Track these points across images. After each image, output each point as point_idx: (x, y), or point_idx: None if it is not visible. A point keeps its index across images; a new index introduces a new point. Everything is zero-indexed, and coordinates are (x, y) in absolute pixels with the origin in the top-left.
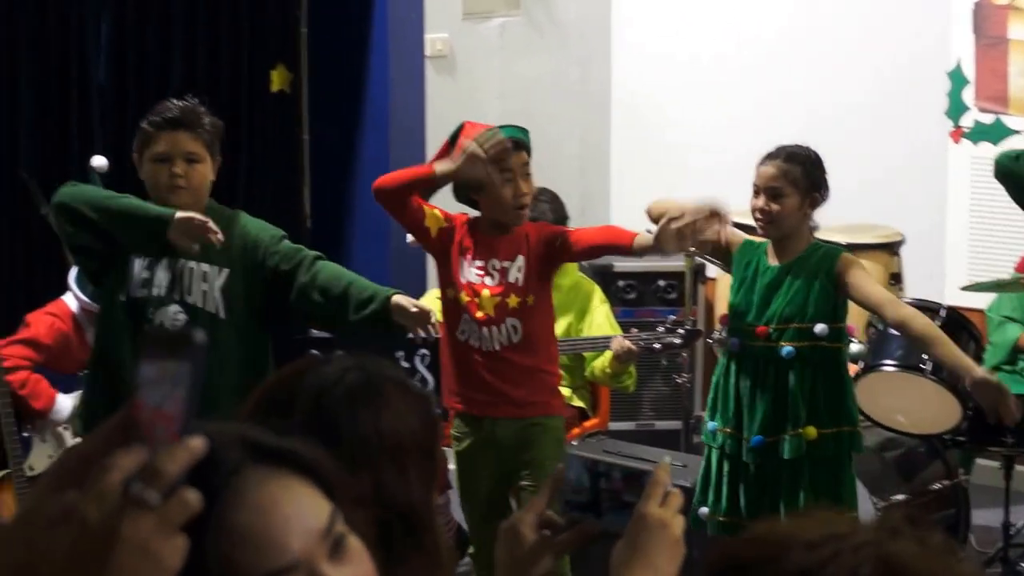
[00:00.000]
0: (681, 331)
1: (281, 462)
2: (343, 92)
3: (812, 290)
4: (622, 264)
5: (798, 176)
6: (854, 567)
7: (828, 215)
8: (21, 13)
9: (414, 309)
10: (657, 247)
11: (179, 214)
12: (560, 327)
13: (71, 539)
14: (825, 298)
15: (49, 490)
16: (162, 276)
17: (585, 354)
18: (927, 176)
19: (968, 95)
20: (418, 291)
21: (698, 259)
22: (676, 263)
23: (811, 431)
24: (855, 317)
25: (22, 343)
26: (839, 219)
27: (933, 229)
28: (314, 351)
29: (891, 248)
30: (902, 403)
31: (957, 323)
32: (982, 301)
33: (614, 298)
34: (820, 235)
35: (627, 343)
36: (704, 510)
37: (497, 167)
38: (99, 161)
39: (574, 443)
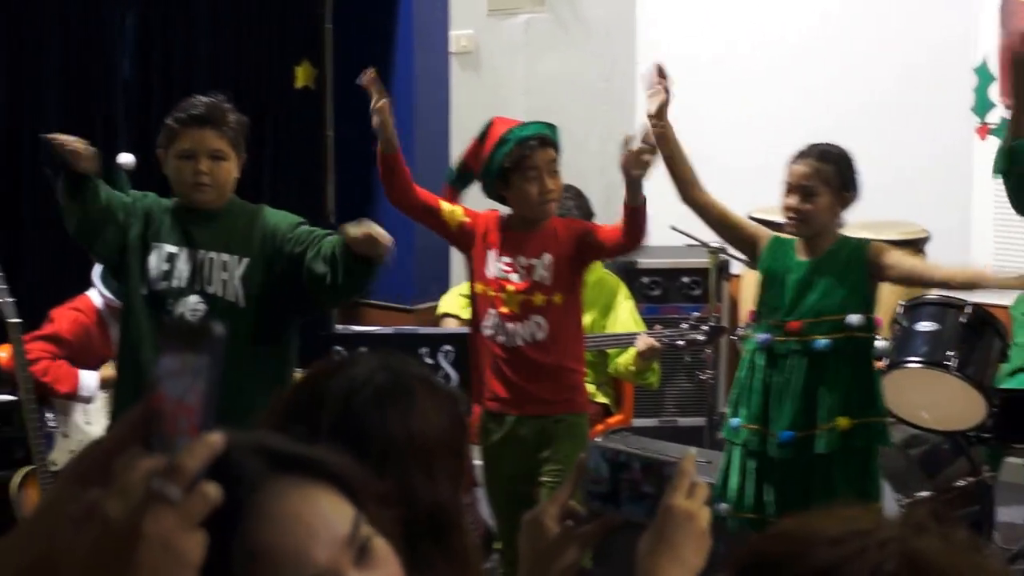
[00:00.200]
0: (705, 328)
1: (302, 470)
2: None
3: (845, 283)
4: (646, 260)
5: (830, 175)
6: (878, 563)
7: (853, 212)
8: (47, 9)
9: (358, 234)
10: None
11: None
12: (584, 323)
13: (93, 536)
14: (858, 290)
15: (70, 484)
16: (183, 267)
17: (609, 350)
18: (952, 173)
19: (994, 91)
20: (441, 287)
21: (722, 256)
22: (701, 259)
23: (843, 421)
24: (880, 313)
25: (45, 339)
26: (864, 216)
27: (958, 226)
28: (338, 347)
29: (916, 245)
30: (927, 399)
31: (982, 320)
32: (1008, 298)
33: (638, 294)
34: (844, 232)
35: (651, 340)
36: (723, 506)
37: (520, 171)
38: (126, 158)
39: (597, 439)
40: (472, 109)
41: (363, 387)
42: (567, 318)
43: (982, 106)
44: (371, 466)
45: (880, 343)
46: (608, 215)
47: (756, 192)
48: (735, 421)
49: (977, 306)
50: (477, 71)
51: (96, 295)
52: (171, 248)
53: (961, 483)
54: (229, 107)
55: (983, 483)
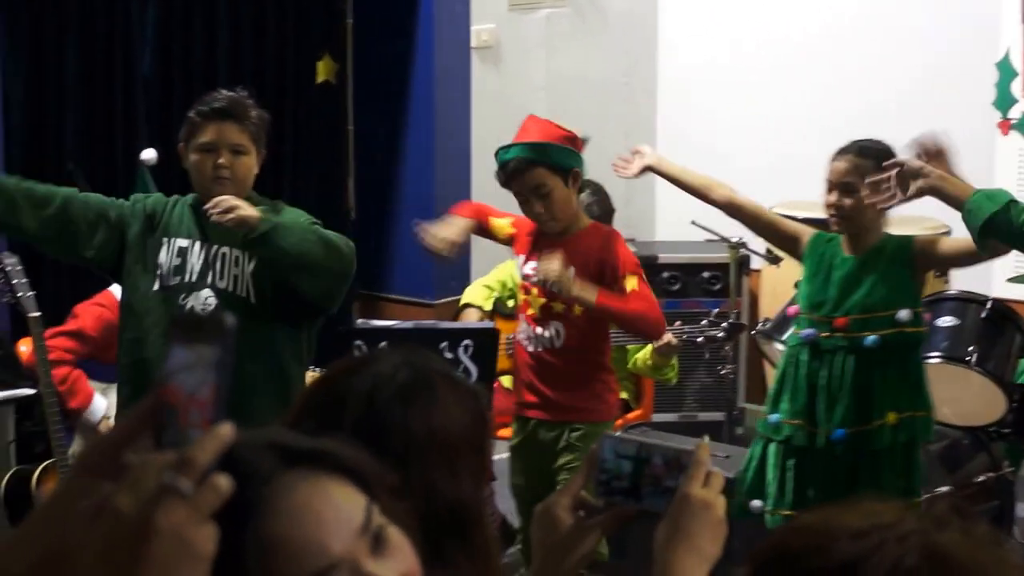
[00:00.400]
0: (724, 325)
1: (313, 463)
2: (388, 83)
3: (892, 279)
4: (667, 255)
5: (870, 170)
6: (899, 556)
7: None
8: (68, 5)
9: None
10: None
11: None
12: None
13: (105, 531)
14: (905, 285)
15: (80, 477)
16: (195, 261)
17: (628, 346)
18: (974, 168)
19: (1016, 87)
20: (462, 283)
21: (743, 251)
22: (721, 254)
23: (892, 416)
24: None
25: (68, 335)
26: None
27: None
28: (358, 342)
29: None
30: (947, 395)
31: (1003, 315)
32: None
33: (659, 289)
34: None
35: (668, 336)
36: (757, 503)
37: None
38: (149, 154)
39: (614, 433)
40: (492, 104)
41: (386, 384)
42: (590, 328)
43: (1004, 101)
44: (393, 463)
45: None
46: (628, 212)
47: (778, 187)
48: (775, 417)
49: (998, 301)
50: (497, 66)
51: (119, 290)
52: (183, 242)
53: (981, 479)
54: (251, 102)
55: (1003, 479)
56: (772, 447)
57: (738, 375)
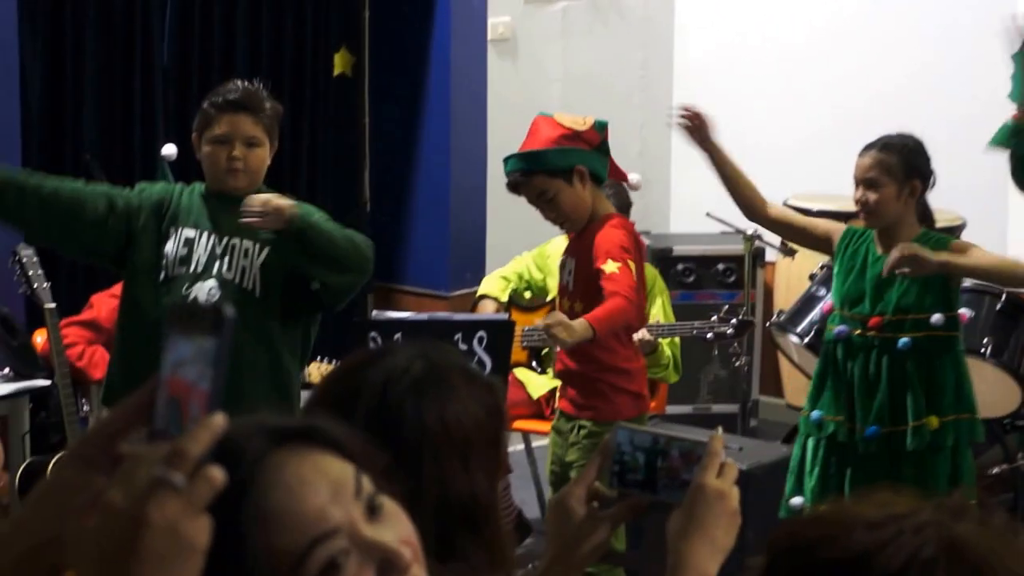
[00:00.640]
0: (733, 321)
1: (301, 440)
2: (405, 75)
3: (926, 280)
4: (681, 248)
5: (894, 164)
6: (916, 547)
7: None
8: None
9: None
10: None
11: None
12: None
13: (99, 525)
14: (939, 288)
15: (73, 467)
16: (202, 253)
17: None
18: (989, 160)
19: None
20: (477, 275)
21: (757, 243)
22: (736, 246)
23: (933, 421)
24: None
25: (83, 324)
26: None
27: (994, 213)
28: (374, 333)
29: (952, 233)
30: None
31: (1018, 307)
32: None
33: (673, 282)
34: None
35: (643, 332)
36: (798, 500)
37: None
38: (169, 150)
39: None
40: (508, 97)
41: (400, 377)
42: None
43: (1019, 92)
44: (407, 456)
45: None
46: (644, 203)
47: (793, 179)
48: (816, 414)
49: (1012, 293)
50: (514, 59)
51: None
52: (190, 232)
53: (995, 470)
54: (266, 94)
55: (1018, 470)
56: (811, 443)
57: (752, 367)
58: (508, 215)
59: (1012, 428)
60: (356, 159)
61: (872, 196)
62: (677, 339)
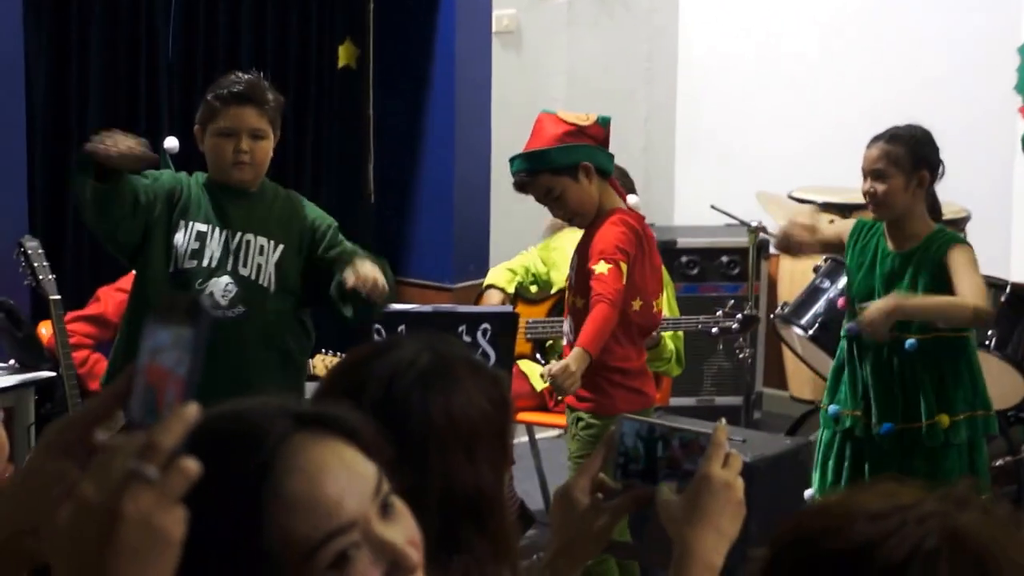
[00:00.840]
0: (739, 316)
1: (322, 427)
2: (409, 68)
3: (933, 280)
4: (685, 240)
5: (901, 156)
6: (920, 538)
7: None
8: None
9: (351, 282)
10: None
11: (90, 148)
12: None
13: (73, 519)
14: (943, 290)
15: (49, 456)
16: (215, 247)
17: None
18: (994, 152)
19: None
20: (481, 267)
21: (762, 235)
22: (740, 239)
23: (945, 419)
24: None
25: (88, 320)
26: None
27: (999, 205)
28: (378, 326)
29: (957, 225)
30: None
31: (1022, 299)
32: None
33: (677, 274)
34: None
35: None
36: (809, 492)
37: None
38: (171, 143)
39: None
40: (513, 89)
41: (406, 370)
42: None
43: None
44: (412, 448)
45: None
46: (649, 194)
47: (796, 172)
48: (834, 408)
49: (1017, 285)
50: (519, 51)
51: None
52: (201, 226)
53: (999, 462)
54: (268, 85)
55: (1022, 462)
56: (826, 435)
57: (756, 359)
58: (512, 207)
59: (1016, 420)
60: (360, 151)
61: (880, 187)
62: (681, 333)
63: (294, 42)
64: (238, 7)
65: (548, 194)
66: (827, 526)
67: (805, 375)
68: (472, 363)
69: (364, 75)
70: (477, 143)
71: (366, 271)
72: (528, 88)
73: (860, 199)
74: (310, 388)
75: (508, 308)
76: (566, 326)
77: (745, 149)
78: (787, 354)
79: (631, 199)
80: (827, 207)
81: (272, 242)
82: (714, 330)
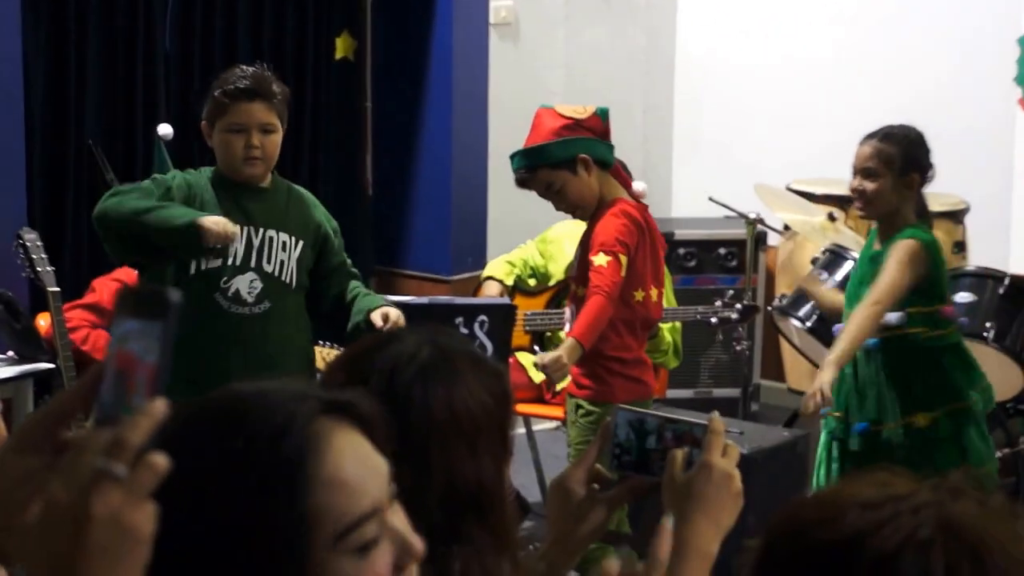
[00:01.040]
0: (738, 307)
1: (339, 412)
2: (407, 60)
3: (872, 272)
4: (683, 232)
5: (893, 156)
6: (913, 528)
7: None
8: None
9: (382, 324)
10: None
11: (205, 222)
12: None
13: (42, 519)
14: (911, 290)
15: (16, 452)
16: (238, 245)
17: None
18: (993, 143)
19: None
20: (478, 259)
21: (759, 227)
22: (738, 231)
23: (920, 418)
24: None
25: (85, 308)
26: None
27: (999, 197)
28: None
29: (955, 216)
30: None
31: (1021, 291)
32: None
33: (674, 266)
34: None
35: None
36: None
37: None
38: (165, 129)
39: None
40: (510, 80)
41: (407, 363)
42: None
43: None
44: (414, 442)
45: (894, 316)
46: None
47: (795, 163)
48: (824, 410)
49: (1016, 277)
50: (516, 42)
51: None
52: None
53: (998, 454)
54: (274, 78)
55: (1020, 454)
56: (823, 437)
57: (754, 351)
58: (510, 198)
59: (1015, 412)
60: (358, 143)
61: (869, 186)
62: (678, 324)
63: (291, 34)
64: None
65: (548, 188)
66: (820, 516)
67: (803, 367)
68: (473, 356)
69: (361, 67)
70: (474, 135)
71: (395, 317)
72: (525, 80)
73: None
74: None
75: (506, 300)
76: (568, 314)
77: (743, 141)
78: (785, 346)
79: (637, 185)
80: (826, 198)
81: (293, 238)
82: (713, 320)
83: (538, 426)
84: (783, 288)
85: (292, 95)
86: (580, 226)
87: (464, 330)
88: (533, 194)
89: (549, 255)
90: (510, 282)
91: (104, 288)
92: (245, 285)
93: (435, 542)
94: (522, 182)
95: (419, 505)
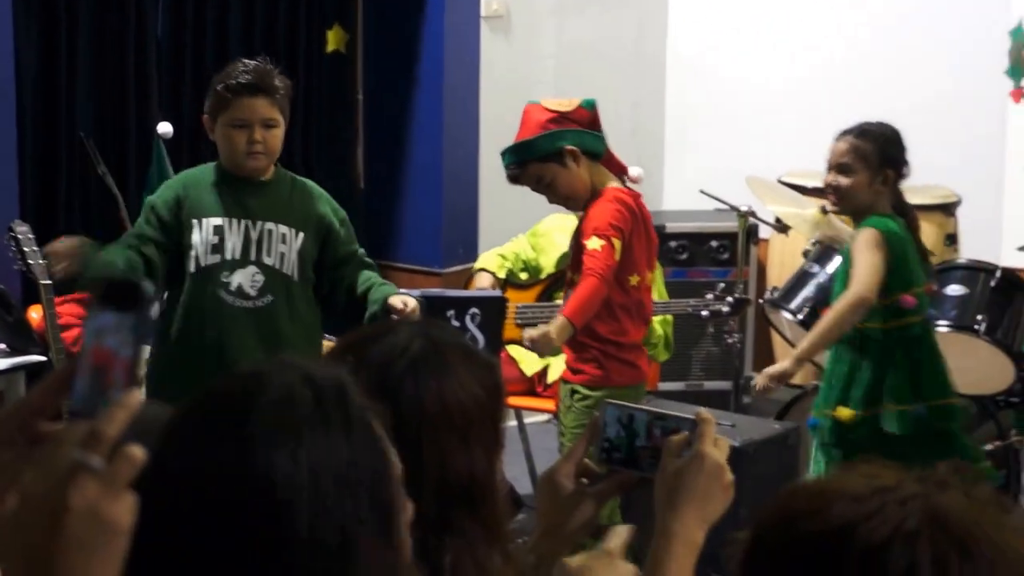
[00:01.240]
0: (730, 299)
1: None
2: (398, 52)
3: (846, 267)
4: (674, 225)
5: (869, 152)
6: (900, 519)
7: None
8: None
9: (402, 307)
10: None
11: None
12: None
13: (18, 513)
14: (844, 278)
15: None
16: (235, 239)
17: None
18: (985, 136)
19: None
20: (470, 252)
21: (751, 220)
22: (729, 223)
23: (843, 412)
24: None
25: (79, 302)
26: None
27: (990, 189)
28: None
29: (947, 209)
30: (955, 363)
31: (1012, 284)
32: None
33: (666, 259)
34: None
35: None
36: None
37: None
38: (164, 128)
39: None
40: (502, 73)
41: (400, 356)
42: None
43: (1017, 69)
44: (406, 435)
45: None
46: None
47: (786, 157)
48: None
49: (1007, 270)
50: (508, 35)
51: None
52: (216, 220)
53: (988, 447)
54: (275, 71)
55: (1011, 447)
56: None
57: (745, 344)
58: (501, 190)
59: (1006, 405)
60: (349, 136)
61: (844, 181)
62: (669, 317)
63: (283, 27)
64: None
65: (539, 182)
66: (808, 507)
67: None
68: (465, 349)
69: (353, 60)
70: (466, 127)
71: (412, 305)
72: (517, 72)
73: None
74: None
75: (497, 292)
76: (563, 300)
77: (734, 134)
78: (776, 339)
79: (634, 170)
80: (817, 192)
81: (293, 231)
82: (705, 313)
83: (530, 419)
84: (775, 281)
85: None
86: (570, 219)
87: (456, 323)
88: (525, 187)
89: (540, 248)
90: (502, 275)
91: None
92: (247, 279)
93: (427, 534)
94: (513, 178)
95: (411, 497)
